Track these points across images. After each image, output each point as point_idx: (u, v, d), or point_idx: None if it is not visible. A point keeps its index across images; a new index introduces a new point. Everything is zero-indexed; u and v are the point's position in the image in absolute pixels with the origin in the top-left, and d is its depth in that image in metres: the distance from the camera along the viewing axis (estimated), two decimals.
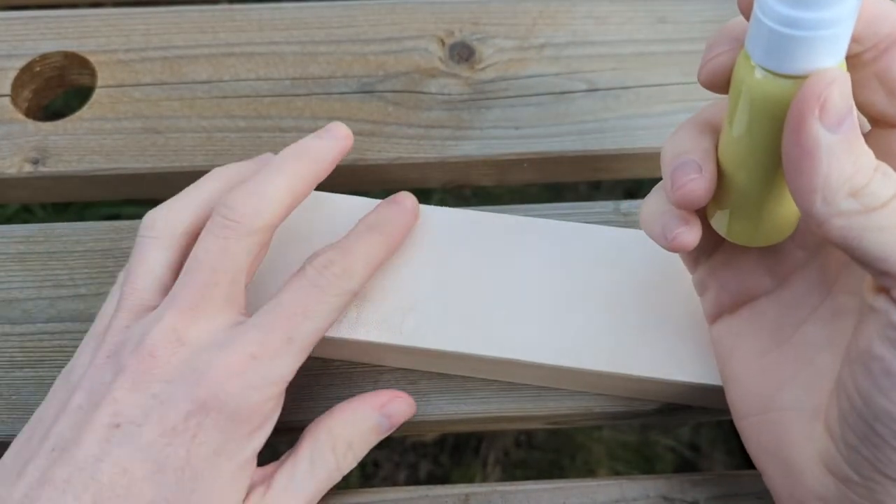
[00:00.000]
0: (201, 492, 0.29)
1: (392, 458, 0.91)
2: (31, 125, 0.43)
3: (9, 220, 0.96)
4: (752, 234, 0.29)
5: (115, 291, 0.34)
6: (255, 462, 0.31)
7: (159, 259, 0.32)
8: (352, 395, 0.36)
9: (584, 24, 0.47)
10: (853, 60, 0.25)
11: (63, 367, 0.33)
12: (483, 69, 0.46)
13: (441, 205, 0.39)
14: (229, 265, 0.31)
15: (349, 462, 0.33)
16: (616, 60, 0.46)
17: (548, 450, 0.92)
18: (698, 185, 0.26)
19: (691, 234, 0.28)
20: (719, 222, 0.29)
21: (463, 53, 0.46)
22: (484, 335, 0.35)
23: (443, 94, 0.45)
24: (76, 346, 0.33)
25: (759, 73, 0.24)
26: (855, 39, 0.25)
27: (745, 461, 0.93)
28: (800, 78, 0.23)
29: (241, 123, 0.44)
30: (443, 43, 0.47)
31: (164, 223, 0.33)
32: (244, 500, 0.30)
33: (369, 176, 0.44)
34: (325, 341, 0.34)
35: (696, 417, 0.37)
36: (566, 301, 0.36)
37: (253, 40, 0.46)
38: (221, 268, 0.31)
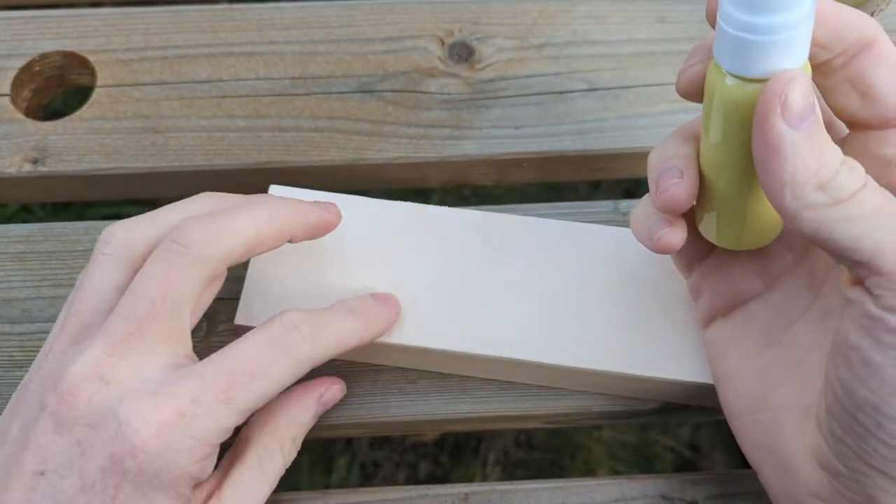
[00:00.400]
0: None
1: (392, 459, 0.91)
2: (31, 125, 0.43)
3: (8, 220, 0.96)
4: (739, 238, 0.29)
5: (68, 300, 0.31)
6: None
7: (111, 279, 0.29)
8: (352, 393, 0.36)
9: (583, 23, 0.47)
10: (824, 67, 0.26)
11: None
12: (483, 69, 0.46)
13: (440, 205, 0.39)
14: (171, 296, 0.28)
15: (293, 455, 0.33)
16: (616, 60, 0.46)
17: (547, 450, 0.92)
18: (680, 189, 0.27)
19: (675, 235, 0.28)
20: (707, 228, 0.30)
21: (462, 53, 0.46)
22: (484, 335, 0.35)
23: (442, 94, 0.45)
24: None
25: (727, 80, 0.25)
26: (823, 46, 0.26)
27: (744, 461, 0.92)
28: (765, 81, 0.24)
29: (241, 123, 0.44)
30: (442, 42, 0.47)
31: (121, 240, 0.30)
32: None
33: (369, 176, 0.44)
34: None
35: (695, 417, 0.37)
36: (565, 301, 0.36)
37: (252, 40, 0.46)
38: (162, 299, 0.28)
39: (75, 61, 0.46)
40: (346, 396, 0.36)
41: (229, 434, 0.29)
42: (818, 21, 0.25)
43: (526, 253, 0.37)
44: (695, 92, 0.28)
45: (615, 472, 0.90)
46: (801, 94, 0.23)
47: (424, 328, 0.35)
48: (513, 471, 0.90)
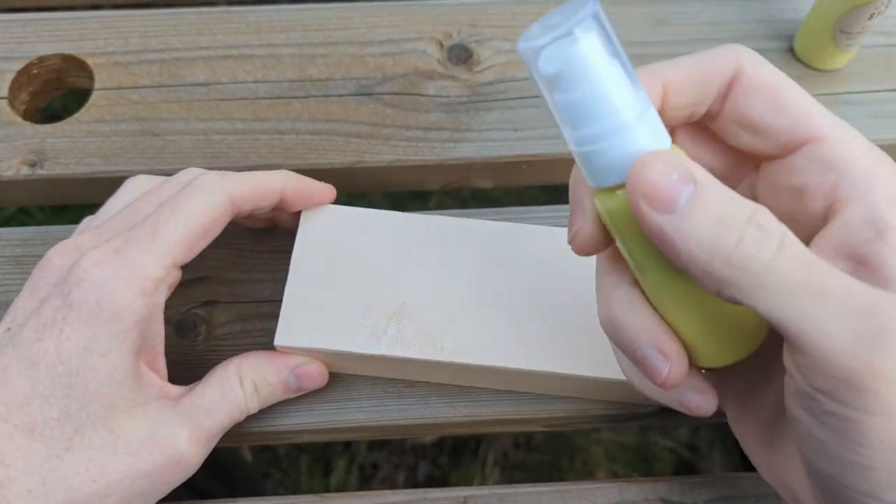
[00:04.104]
0: (79, 389, 0.29)
1: (391, 460, 0.91)
2: (29, 128, 0.43)
3: (7, 222, 0.96)
4: (723, 351, 0.26)
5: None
6: (143, 368, 0.31)
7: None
8: (350, 397, 0.36)
9: None
10: (706, 118, 0.26)
11: None
12: (481, 71, 0.46)
13: (440, 206, 0.39)
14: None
15: (253, 403, 0.34)
16: None
17: (546, 451, 0.92)
18: (674, 375, 0.25)
19: (705, 401, 0.26)
20: (691, 353, 0.26)
21: (461, 55, 0.46)
22: (479, 346, 0.34)
23: (441, 97, 0.45)
24: None
25: (602, 197, 0.23)
26: (695, 104, 0.25)
27: (743, 462, 0.92)
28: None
29: (239, 125, 0.43)
30: (441, 45, 0.46)
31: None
32: (145, 407, 0.31)
33: (367, 178, 0.44)
34: (310, 352, 0.34)
35: (695, 419, 0.37)
36: (547, 307, 0.35)
37: (251, 42, 0.46)
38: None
39: (73, 64, 0.46)
40: (344, 400, 0.36)
41: (165, 271, 0.31)
42: (675, 89, 0.24)
43: (500, 260, 0.36)
44: (592, 248, 0.25)
45: (614, 474, 0.90)
46: (658, 177, 0.21)
47: (413, 339, 0.34)
48: (512, 472, 0.90)
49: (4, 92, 0.44)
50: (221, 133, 0.43)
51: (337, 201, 0.38)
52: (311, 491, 0.87)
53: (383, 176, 0.43)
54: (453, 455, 0.91)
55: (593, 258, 0.27)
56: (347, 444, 0.91)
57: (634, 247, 0.24)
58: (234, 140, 0.43)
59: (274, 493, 0.88)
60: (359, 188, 0.45)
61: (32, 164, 0.42)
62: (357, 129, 0.43)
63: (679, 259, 0.22)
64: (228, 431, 0.35)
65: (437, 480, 0.89)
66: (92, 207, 0.37)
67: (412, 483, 0.89)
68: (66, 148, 0.43)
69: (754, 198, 0.27)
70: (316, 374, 0.35)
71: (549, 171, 0.44)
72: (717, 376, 0.28)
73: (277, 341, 0.34)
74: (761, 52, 0.46)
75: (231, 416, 0.33)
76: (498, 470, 0.90)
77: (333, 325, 0.34)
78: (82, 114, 0.44)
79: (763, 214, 0.21)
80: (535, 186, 0.45)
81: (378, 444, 0.91)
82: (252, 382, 0.34)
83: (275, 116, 0.44)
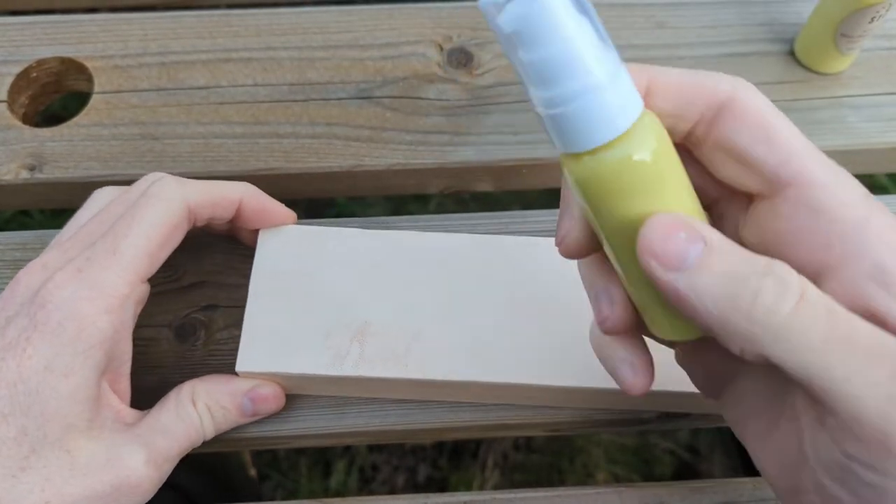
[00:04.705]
0: (37, 408, 0.29)
1: (391, 462, 0.91)
2: (28, 131, 0.43)
3: (6, 224, 0.96)
4: (676, 327, 0.25)
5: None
6: (105, 389, 0.31)
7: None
8: (350, 402, 0.36)
9: None
10: (690, 139, 0.24)
11: None
12: (481, 75, 0.46)
13: (440, 210, 0.39)
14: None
15: (208, 426, 0.34)
16: None
17: (546, 453, 0.91)
18: (615, 321, 0.25)
19: (637, 378, 0.26)
20: (654, 323, 0.26)
21: (461, 59, 0.46)
22: (463, 361, 0.34)
23: (441, 100, 0.45)
24: None
25: (570, 164, 0.22)
26: (674, 115, 0.24)
27: (743, 464, 0.92)
28: (604, 148, 0.22)
29: (239, 129, 0.43)
30: (441, 48, 0.46)
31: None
32: (102, 429, 0.30)
33: (367, 182, 0.43)
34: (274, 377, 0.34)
35: (696, 423, 0.37)
36: (514, 318, 0.35)
37: (250, 46, 0.46)
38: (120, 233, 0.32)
39: (73, 67, 0.46)
40: (344, 405, 0.36)
41: (130, 287, 0.31)
42: (660, 91, 0.23)
43: (488, 272, 0.36)
44: (580, 252, 0.25)
45: (614, 476, 0.90)
46: (666, 235, 0.21)
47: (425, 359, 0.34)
48: (511, 474, 0.90)
49: (3, 95, 0.44)
50: (221, 137, 0.43)
51: (337, 203, 0.38)
52: (311, 493, 0.87)
53: (383, 179, 0.43)
54: (453, 457, 0.91)
55: (566, 264, 0.27)
56: (347, 447, 0.91)
57: (602, 216, 0.23)
58: (233, 144, 0.43)
59: (273, 495, 0.88)
60: (359, 191, 0.45)
61: (31, 168, 0.42)
62: (357, 132, 0.43)
63: (698, 319, 0.21)
64: (228, 436, 0.35)
65: (437, 482, 0.89)
66: None
67: (412, 485, 0.89)
68: (66, 151, 0.43)
69: (738, 238, 0.25)
70: (271, 396, 0.35)
71: (549, 175, 0.44)
72: (703, 364, 0.28)
73: (239, 367, 0.34)
74: (762, 55, 0.47)
75: (188, 438, 0.33)
76: (498, 472, 0.90)
77: (296, 348, 0.34)
78: (81, 117, 0.44)
79: (780, 266, 0.21)
80: (536, 189, 0.45)
81: (378, 447, 0.91)
82: (206, 406, 0.33)
83: (274, 120, 0.44)
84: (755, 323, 0.20)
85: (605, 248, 0.24)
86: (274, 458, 0.90)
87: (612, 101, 0.21)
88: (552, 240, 0.27)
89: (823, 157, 0.23)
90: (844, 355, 0.20)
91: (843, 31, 0.43)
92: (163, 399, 0.33)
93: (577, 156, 0.22)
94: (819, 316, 0.20)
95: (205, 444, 0.34)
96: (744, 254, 0.21)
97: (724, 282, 0.20)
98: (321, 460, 0.90)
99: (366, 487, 0.89)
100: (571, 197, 0.24)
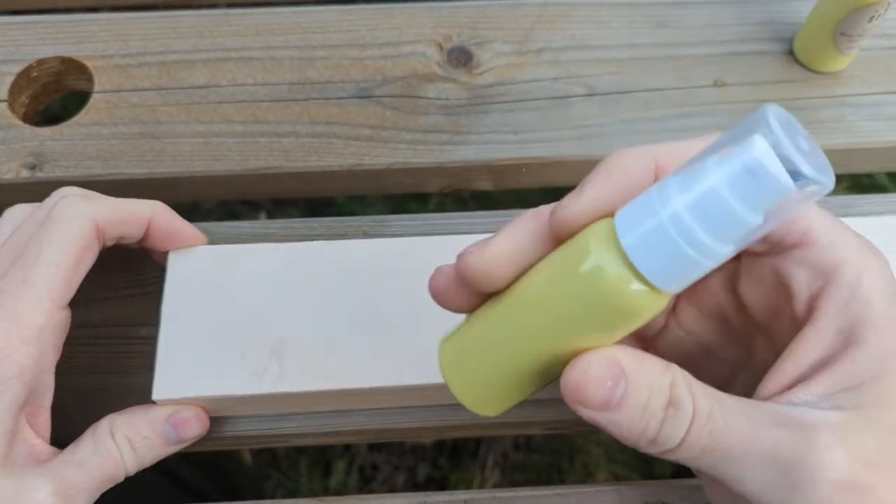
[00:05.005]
0: None
1: (391, 462, 0.91)
2: (29, 130, 0.43)
3: None
4: (489, 401, 0.28)
5: None
6: (22, 424, 0.31)
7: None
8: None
9: (582, 28, 0.47)
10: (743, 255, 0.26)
11: (58, 369, 0.32)
12: (481, 74, 0.46)
13: (439, 208, 0.39)
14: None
15: (129, 459, 0.32)
16: (615, 65, 0.45)
17: (546, 452, 0.91)
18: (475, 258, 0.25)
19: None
20: (465, 381, 0.27)
21: (461, 58, 0.46)
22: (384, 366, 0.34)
23: (441, 99, 0.45)
24: (71, 350, 0.33)
25: (635, 285, 0.22)
26: (764, 240, 0.25)
27: None
28: (653, 290, 0.23)
29: (239, 128, 0.43)
30: (441, 47, 0.46)
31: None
32: (13, 466, 0.30)
33: (367, 181, 0.43)
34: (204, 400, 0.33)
35: None
36: (434, 318, 0.34)
37: (250, 45, 0.46)
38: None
39: (73, 66, 0.46)
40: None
41: (46, 316, 0.30)
42: (665, 167, 0.24)
43: (372, 277, 0.35)
44: (566, 233, 0.25)
45: (614, 475, 0.90)
46: (595, 388, 0.24)
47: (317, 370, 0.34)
48: (511, 473, 0.90)
49: (4, 94, 0.44)
50: (221, 136, 0.43)
51: (337, 203, 0.38)
52: (311, 492, 0.87)
53: (383, 178, 0.43)
54: (453, 456, 0.91)
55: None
56: (347, 446, 0.91)
57: (579, 316, 0.24)
58: (233, 143, 0.43)
59: (273, 494, 0.88)
60: (359, 190, 0.45)
61: (32, 167, 0.42)
62: (357, 131, 0.43)
63: (613, 432, 0.24)
64: (227, 434, 0.35)
65: (437, 482, 0.89)
66: None
67: (412, 484, 0.89)
68: (66, 151, 0.43)
69: (734, 287, 0.27)
70: (192, 419, 0.34)
71: (548, 174, 0.44)
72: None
73: (155, 395, 0.33)
74: (761, 54, 0.47)
75: (105, 472, 0.32)
76: (498, 471, 0.90)
77: (212, 371, 0.33)
78: (82, 116, 0.44)
79: (677, 391, 0.24)
80: (535, 188, 0.45)
81: (378, 446, 0.91)
82: (125, 437, 0.32)
83: (274, 119, 0.44)
84: (658, 446, 0.24)
85: (508, 304, 0.25)
86: (274, 457, 0.90)
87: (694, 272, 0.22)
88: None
89: (825, 214, 0.25)
90: (727, 459, 0.24)
91: (842, 30, 0.43)
92: (78, 439, 0.32)
93: (654, 288, 0.23)
94: (703, 436, 0.24)
95: (203, 442, 0.34)
96: (653, 382, 0.24)
97: (637, 418, 0.24)
98: (321, 460, 0.91)
99: (366, 487, 0.89)
100: (533, 233, 0.25)
